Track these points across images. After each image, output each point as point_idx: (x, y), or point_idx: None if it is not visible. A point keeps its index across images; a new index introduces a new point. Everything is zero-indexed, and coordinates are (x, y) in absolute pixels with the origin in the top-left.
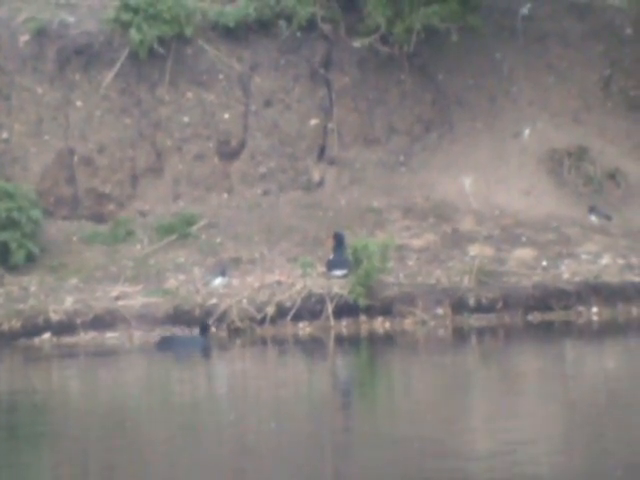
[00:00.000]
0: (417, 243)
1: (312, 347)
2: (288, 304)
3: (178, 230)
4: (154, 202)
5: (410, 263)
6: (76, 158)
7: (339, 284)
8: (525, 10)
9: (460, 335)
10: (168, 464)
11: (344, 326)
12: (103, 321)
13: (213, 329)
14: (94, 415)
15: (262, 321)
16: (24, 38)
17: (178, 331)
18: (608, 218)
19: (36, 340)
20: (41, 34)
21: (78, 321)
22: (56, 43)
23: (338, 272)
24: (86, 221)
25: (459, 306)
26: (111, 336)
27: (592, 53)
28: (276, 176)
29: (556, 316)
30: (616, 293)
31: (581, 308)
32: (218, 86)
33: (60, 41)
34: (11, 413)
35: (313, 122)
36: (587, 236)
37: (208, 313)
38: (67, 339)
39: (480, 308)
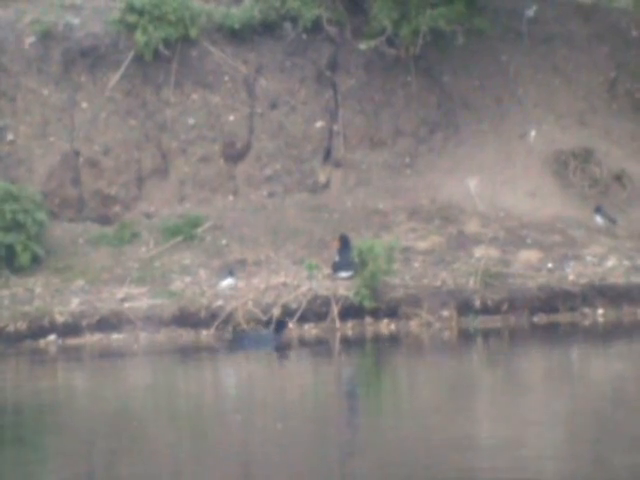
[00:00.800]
0: (422, 245)
1: (318, 349)
2: (294, 306)
3: (184, 232)
4: (160, 204)
5: (416, 265)
6: (81, 160)
7: (345, 286)
8: (531, 12)
9: (465, 337)
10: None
11: (350, 328)
12: (109, 323)
13: (290, 325)
14: (118, 417)
15: (267, 323)
16: (29, 40)
17: (250, 329)
18: (613, 222)
19: (42, 342)
20: (46, 36)
21: (84, 323)
22: (61, 45)
23: (344, 274)
24: (91, 223)
25: (465, 308)
26: (117, 338)
27: (598, 55)
28: (282, 178)
29: (562, 318)
30: (622, 295)
31: (587, 310)
32: (223, 88)
33: (65, 43)
34: (17, 414)
35: (319, 124)
36: (593, 238)
37: (214, 315)
38: (73, 341)
39: (486, 310)
